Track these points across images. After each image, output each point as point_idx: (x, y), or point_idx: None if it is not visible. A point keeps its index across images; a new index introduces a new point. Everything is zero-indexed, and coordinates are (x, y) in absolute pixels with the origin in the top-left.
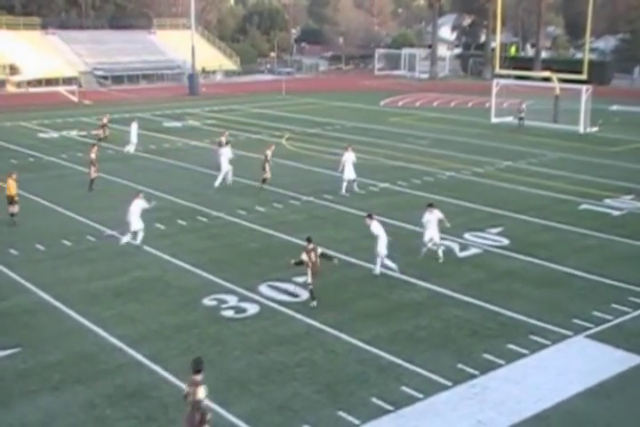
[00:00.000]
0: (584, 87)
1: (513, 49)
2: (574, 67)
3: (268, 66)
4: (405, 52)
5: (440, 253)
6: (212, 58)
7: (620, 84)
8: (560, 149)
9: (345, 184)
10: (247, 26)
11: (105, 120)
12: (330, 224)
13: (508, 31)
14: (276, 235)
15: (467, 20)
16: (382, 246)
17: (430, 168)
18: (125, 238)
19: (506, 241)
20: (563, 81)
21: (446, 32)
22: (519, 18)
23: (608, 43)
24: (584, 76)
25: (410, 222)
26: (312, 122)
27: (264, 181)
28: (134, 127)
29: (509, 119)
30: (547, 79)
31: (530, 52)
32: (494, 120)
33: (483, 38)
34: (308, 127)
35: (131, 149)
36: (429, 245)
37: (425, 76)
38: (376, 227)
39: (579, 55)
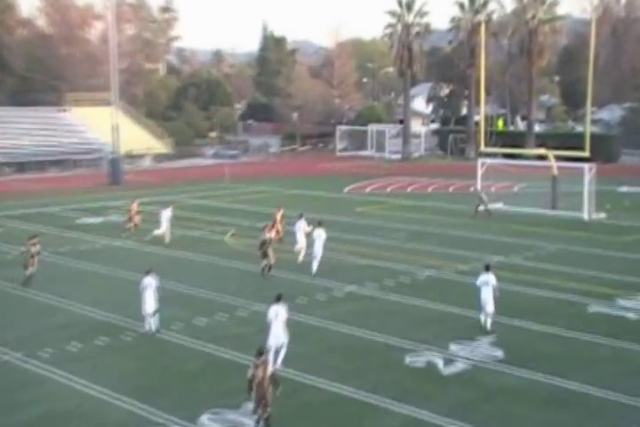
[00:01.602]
0: (587, 166)
1: (500, 122)
2: (574, 142)
3: (208, 148)
4: (372, 128)
5: (488, 325)
6: (138, 139)
7: (630, 160)
8: (561, 240)
9: (316, 263)
10: (182, 100)
11: (135, 207)
12: None
13: (494, 102)
14: (221, 353)
15: (444, 90)
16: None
17: (406, 266)
18: (147, 325)
19: (500, 353)
20: (561, 159)
21: (420, 104)
22: (506, 85)
23: (613, 113)
24: (586, 153)
25: (384, 332)
26: (262, 214)
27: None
28: (166, 214)
29: (499, 206)
30: (542, 157)
31: (520, 125)
32: (480, 207)
33: (464, 111)
34: (257, 221)
35: (159, 232)
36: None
37: (396, 156)
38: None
39: (579, 128)
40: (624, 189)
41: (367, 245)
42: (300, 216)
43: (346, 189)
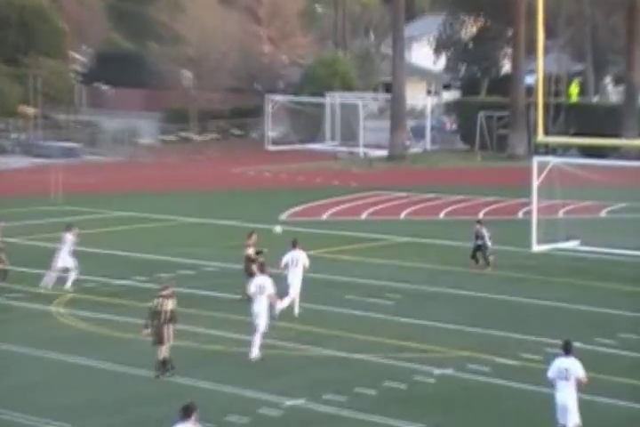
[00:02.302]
0: None
1: (575, 89)
2: None
3: (17, 136)
4: (334, 100)
5: None
6: None
7: None
8: None
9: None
10: None
11: None
12: None
13: (564, 50)
14: None
15: (468, 29)
16: None
17: (399, 361)
18: None
19: None
20: None
21: (425, 55)
22: (585, 20)
23: None
24: None
25: None
26: (124, 262)
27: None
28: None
29: (573, 245)
30: None
31: (612, 93)
32: (538, 248)
33: (506, 67)
34: (114, 276)
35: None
36: None
37: (379, 153)
38: None
39: None
40: None
41: (326, 319)
42: (294, 245)
43: (285, 215)
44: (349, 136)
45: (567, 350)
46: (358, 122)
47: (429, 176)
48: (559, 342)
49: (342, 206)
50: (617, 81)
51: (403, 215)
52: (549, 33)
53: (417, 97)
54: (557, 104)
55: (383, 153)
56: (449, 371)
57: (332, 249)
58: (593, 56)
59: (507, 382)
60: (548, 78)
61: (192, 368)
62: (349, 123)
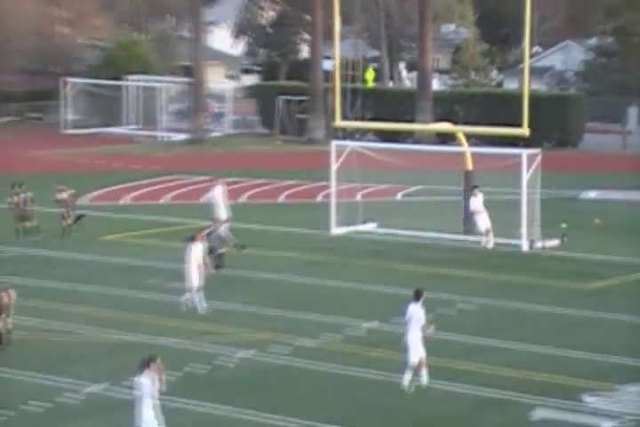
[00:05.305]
0: (525, 153)
1: (370, 74)
2: (505, 109)
3: None
4: (133, 83)
5: None
6: None
7: (599, 142)
8: (482, 289)
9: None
10: None
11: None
12: None
13: (359, 36)
14: None
15: (267, 13)
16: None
17: (202, 344)
18: None
19: None
20: (480, 140)
21: (225, 40)
22: (379, 7)
23: (569, 54)
24: (524, 130)
25: None
26: None
27: None
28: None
29: (370, 227)
30: (440, 137)
31: (407, 79)
32: (337, 231)
33: (305, 53)
34: None
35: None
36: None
37: (181, 137)
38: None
39: (510, 84)
40: (591, 194)
41: (127, 304)
42: (473, 188)
43: (86, 200)
44: (150, 120)
45: (416, 297)
46: (158, 106)
47: (230, 160)
48: (359, 322)
49: (143, 191)
50: (410, 67)
51: (203, 199)
52: (345, 19)
53: (218, 81)
54: (354, 89)
55: (185, 136)
56: (250, 354)
57: (132, 234)
58: (387, 42)
59: (307, 364)
60: (344, 64)
61: None
62: (150, 107)
